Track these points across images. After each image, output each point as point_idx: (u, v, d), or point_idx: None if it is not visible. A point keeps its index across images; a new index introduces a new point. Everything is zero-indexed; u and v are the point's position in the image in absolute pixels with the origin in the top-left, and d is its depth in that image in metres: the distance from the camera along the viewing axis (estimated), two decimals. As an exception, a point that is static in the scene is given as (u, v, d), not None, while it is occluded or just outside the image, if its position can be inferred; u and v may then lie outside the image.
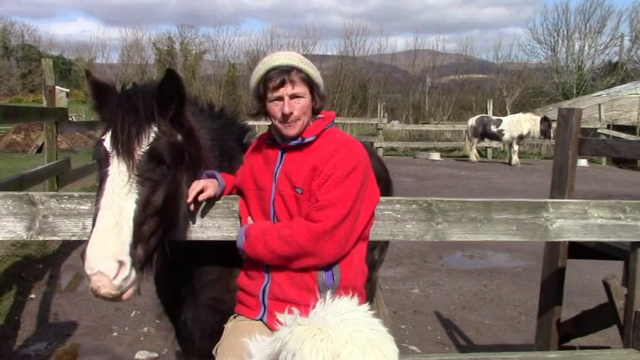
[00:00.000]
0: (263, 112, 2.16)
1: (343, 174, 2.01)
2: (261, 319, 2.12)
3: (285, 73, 2.05)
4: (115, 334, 4.67)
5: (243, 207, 2.24)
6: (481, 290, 6.04)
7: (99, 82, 2.05)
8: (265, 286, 2.11)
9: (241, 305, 2.20)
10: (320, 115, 2.21)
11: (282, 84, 2.05)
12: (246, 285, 2.17)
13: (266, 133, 2.28)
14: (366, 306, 1.57)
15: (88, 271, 1.74)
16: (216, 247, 2.26)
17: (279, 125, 2.10)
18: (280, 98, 2.07)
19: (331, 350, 1.40)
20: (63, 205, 2.13)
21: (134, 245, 1.82)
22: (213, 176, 2.19)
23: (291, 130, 2.09)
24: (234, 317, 2.21)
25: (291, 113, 2.06)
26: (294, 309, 1.61)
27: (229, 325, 2.18)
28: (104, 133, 1.97)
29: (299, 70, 2.07)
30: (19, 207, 2.11)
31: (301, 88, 2.08)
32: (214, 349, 2.14)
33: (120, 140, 1.89)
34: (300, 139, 2.12)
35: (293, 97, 2.06)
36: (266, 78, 2.07)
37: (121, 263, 1.76)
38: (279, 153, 2.17)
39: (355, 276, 2.12)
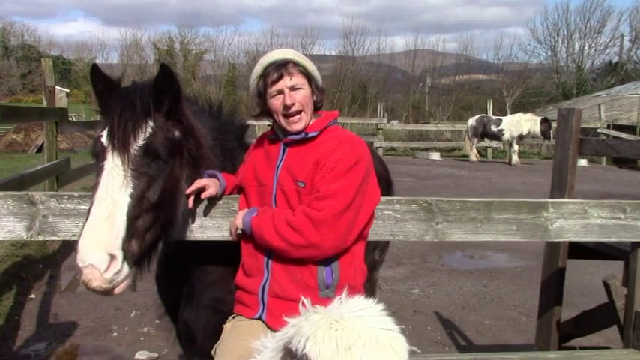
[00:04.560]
0: (265, 111, 2.17)
1: (345, 167, 2.02)
2: (260, 318, 2.11)
3: (281, 66, 2.09)
4: (115, 334, 4.67)
5: (243, 204, 2.23)
6: (481, 290, 6.04)
7: (105, 76, 2.05)
8: (265, 283, 2.10)
9: (240, 304, 2.19)
10: (322, 114, 2.22)
11: (281, 77, 2.08)
12: (245, 283, 2.16)
13: (268, 131, 2.28)
14: (380, 305, 1.59)
15: (80, 264, 1.74)
16: (217, 247, 2.26)
17: (283, 121, 2.11)
18: (280, 91, 2.09)
19: (344, 341, 1.42)
20: (63, 205, 2.13)
21: (127, 239, 1.82)
22: (214, 176, 2.19)
23: (295, 125, 2.10)
24: (233, 317, 2.20)
25: (293, 104, 2.07)
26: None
27: (228, 326, 2.18)
28: (102, 130, 1.97)
29: (295, 63, 2.11)
30: (19, 207, 2.11)
31: (299, 79, 2.10)
32: (213, 350, 2.13)
33: (116, 135, 1.90)
34: (303, 133, 2.12)
35: (292, 88, 2.09)
36: (264, 74, 2.11)
37: (112, 256, 1.75)
38: (282, 148, 2.17)
39: (355, 275, 2.12)
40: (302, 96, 2.10)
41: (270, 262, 2.09)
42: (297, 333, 1.47)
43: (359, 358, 1.41)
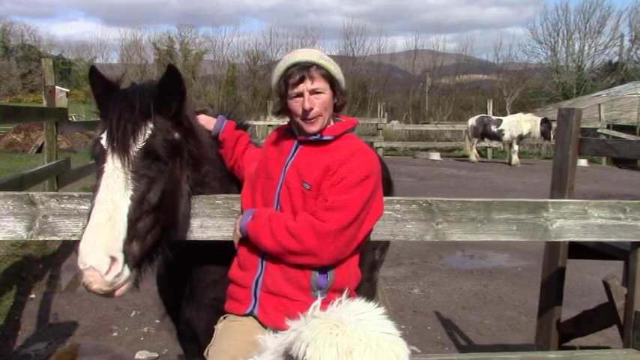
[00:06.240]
0: (285, 110, 2.15)
1: (356, 180, 2.00)
2: (251, 314, 2.09)
3: (304, 69, 2.05)
4: (115, 334, 4.67)
5: (247, 195, 2.21)
6: (481, 290, 6.04)
7: (104, 78, 2.05)
8: (258, 277, 2.08)
9: (231, 300, 2.17)
10: (342, 119, 2.21)
11: (302, 80, 2.05)
12: (239, 277, 2.14)
13: (286, 124, 2.28)
14: (381, 309, 1.58)
15: (81, 266, 1.75)
16: (218, 247, 2.25)
17: (301, 122, 2.09)
18: (300, 94, 2.06)
19: (345, 345, 1.42)
20: (63, 205, 2.13)
21: (128, 241, 1.82)
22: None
23: (311, 127, 2.08)
24: (224, 318, 2.18)
25: (312, 109, 2.05)
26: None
27: (220, 326, 2.16)
28: (102, 132, 1.97)
29: (318, 66, 2.07)
30: (19, 207, 2.11)
31: (321, 84, 2.07)
32: (205, 351, 2.11)
33: (115, 137, 1.89)
34: (318, 135, 2.11)
35: (313, 92, 2.06)
36: (286, 75, 2.08)
37: (113, 259, 1.76)
38: (294, 145, 2.16)
39: (349, 279, 2.11)
40: (322, 100, 2.07)
41: (265, 256, 2.07)
42: (298, 338, 1.47)
43: None
